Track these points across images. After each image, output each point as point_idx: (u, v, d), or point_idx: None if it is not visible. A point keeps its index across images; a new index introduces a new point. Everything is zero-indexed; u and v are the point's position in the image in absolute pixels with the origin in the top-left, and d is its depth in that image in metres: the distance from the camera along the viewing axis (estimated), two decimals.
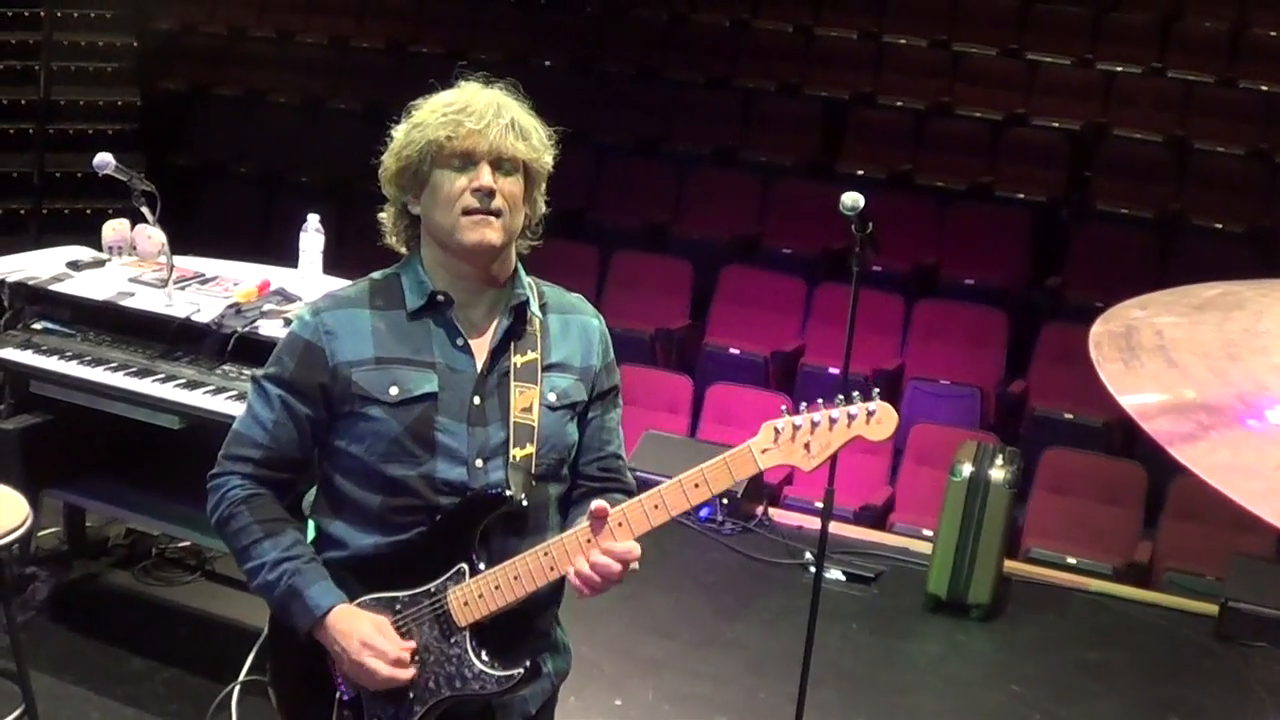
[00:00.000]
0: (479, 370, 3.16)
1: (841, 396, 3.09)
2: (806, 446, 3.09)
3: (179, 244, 6.12)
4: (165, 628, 6.36)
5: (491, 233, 3.09)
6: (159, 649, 6.11)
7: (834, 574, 7.60)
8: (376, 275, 3.27)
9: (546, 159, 3.18)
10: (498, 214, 3.09)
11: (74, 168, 11.50)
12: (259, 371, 3.26)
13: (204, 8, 15.18)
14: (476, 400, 3.15)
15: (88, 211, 10.78)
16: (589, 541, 3.08)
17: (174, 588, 6.68)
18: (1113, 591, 7.97)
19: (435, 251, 3.19)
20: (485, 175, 3.06)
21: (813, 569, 7.62)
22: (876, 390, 3.14)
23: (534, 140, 3.14)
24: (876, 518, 8.75)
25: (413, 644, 3.13)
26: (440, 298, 3.18)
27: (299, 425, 3.17)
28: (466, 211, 3.08)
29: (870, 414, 3.08)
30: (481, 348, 3.19)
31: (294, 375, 3.17)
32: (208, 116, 13.89)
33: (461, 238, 3.09)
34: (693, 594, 7.34)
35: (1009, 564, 7.78)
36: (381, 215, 3.27)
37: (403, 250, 3.28)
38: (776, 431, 3.09)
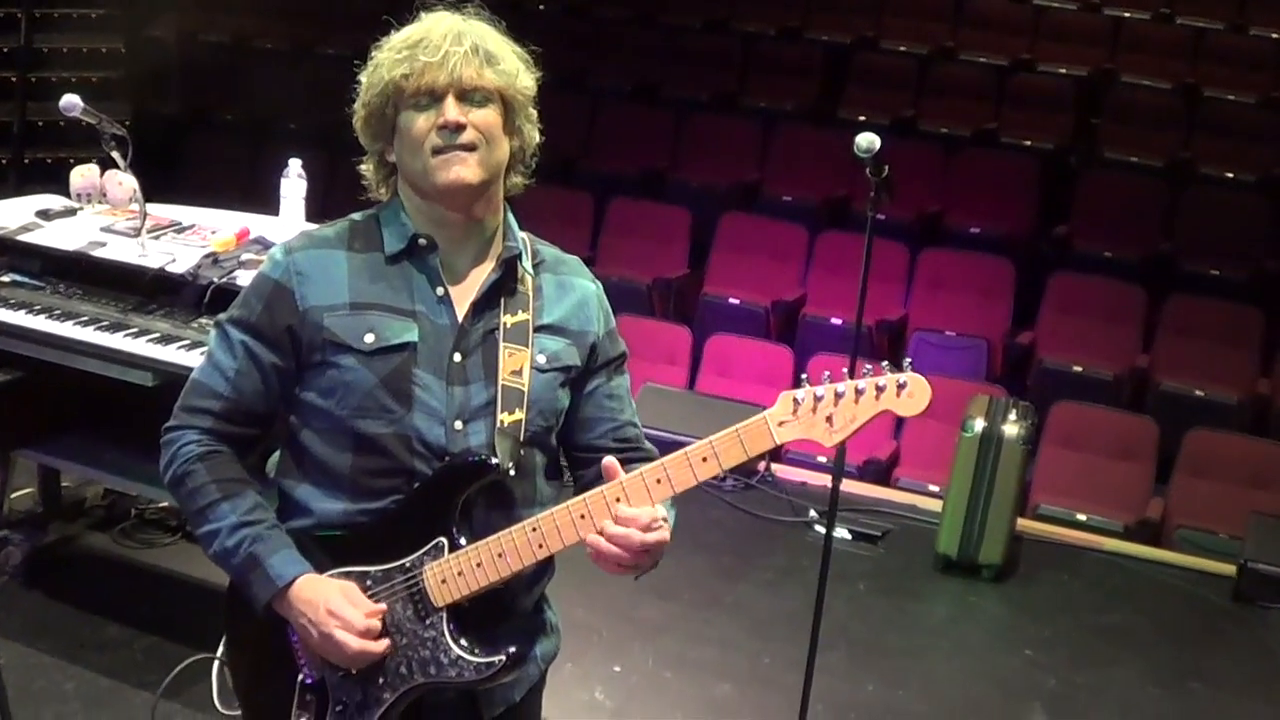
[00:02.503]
0: (460, 324, 2.89)
1: (869, 366, 2.79)
2: (829, 420, 2.76)
3: (165, 193, 5.88)
4: (144, 592, 6.14)
5: (465, 169, 2.81)
6: (138, 615, 5.86)
7: (840, 532, 7.36)
8: (357, 216, 3.00)
9: (524, 82, 2.89)
10: (471, 148, 2.81)
11: (56, 116, 11.16)
12: (223, 315, 2.98)
13: None
14: (456, 357, 2.88)
15: (70, 160, 10.43)
16: (583, 517, 2.79)
17: (154, 550, 6.43)
18: (1126, 550, 7.76)
19: (413, 198, 2.92)
20: (450, 110, 2.79)
21: (818, 527, 7.50)
22: (908, 360, 2.81)
23: (505, 65, 2.85)
24: (881, 473, 8.54)
25: (383, 607, 2.85)
26: (422, 241, 2.90)
27: (264, 375, 2.90)
28: (436, 151, 2.81)
29: (901, 387, 2.76)
30: (463, 298, 2.91)
31: (260, 319, 2.89)
32: (194, 63, 13.60)
33: (434, 178, 2.82)
34: (693, 554, 7.11)
35: (1019, 522, 7.55)
36: (363, 168, 3.00)
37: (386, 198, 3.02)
38: (796, 402, 2.77)
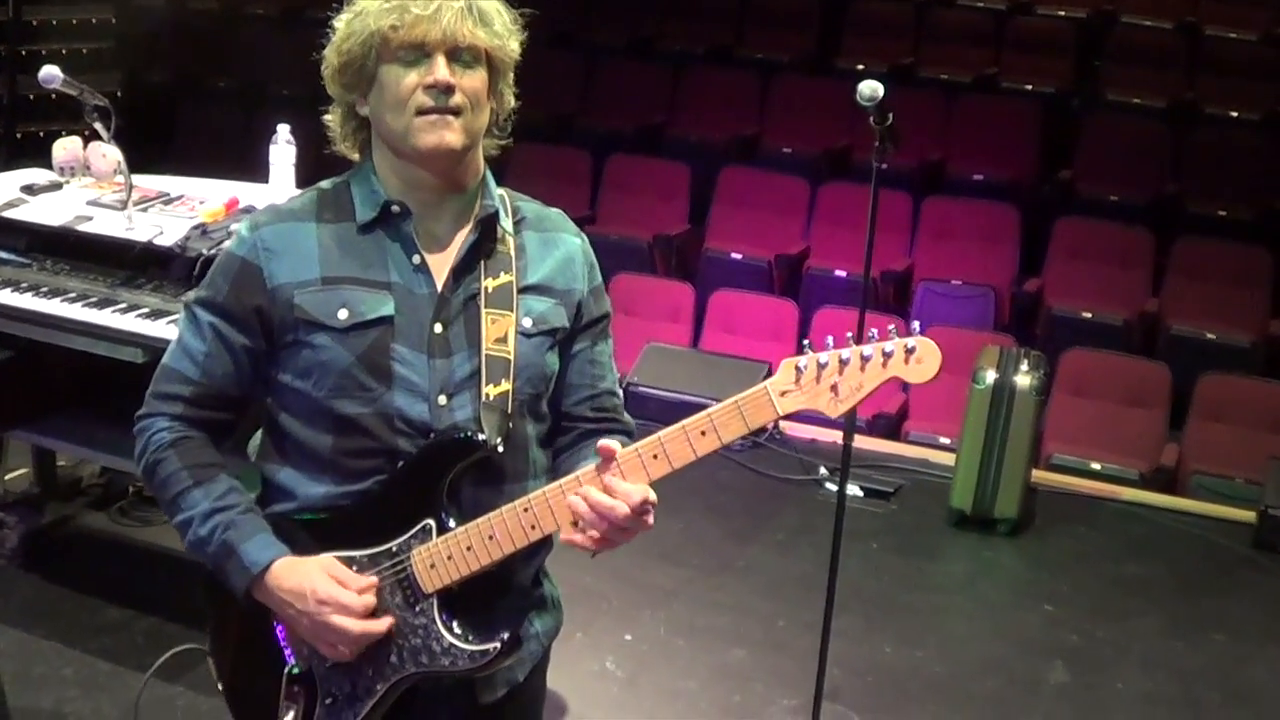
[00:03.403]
0: (439, 292, 2.76)
1: (874, 331, 2.64)
2: (834, 389, 2.61)
3: (159, 163, 5.76)
4: (144, 572, 6.04)
5: (451, 134, 2.67)
6: (137, 596, 5.76)
7: (851, 489, 7.22)
8: (325, 184, 2.85)
9: (512, 45, 2.75)
10: (457, 112, 2.67)
11: (47, 90, 11.11)
12: (190, 295, 2.85)
13: None
14: (438, 328, 2.74)
15: (62, 134, 10.40)
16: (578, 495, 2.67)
17: (152, 527, 6.29)
18: (1144, 500, 7.65)
19: (388, 157, 2.77)
20: (440, 69, 2.64)
21: (829, 485, 7.38)
22: (916, 323, 2.66)
23: (497, 25, 2.70)
24: (891, 427, 8.44)
25: (374, 579, 2.72)
26: (395, 208, 2.76)
27: (235, 357, 2.76)
28: (421, 111, 2.66)
29: (909, 352, 2.58)
30: (442, 265, 2.77)
31: (228, 299, 2.75)
32: (185, 32, 13.48)
33: (416, 141, 2.67)
34: (702, 516, 7.01)
35: (1034, 474, 7.45)
36: (327, 118, 2.85)
37: (354, 157, 2.86)
38: (798, 370, 2.62)
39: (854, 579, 6.36)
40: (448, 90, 2.64)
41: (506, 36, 2.72)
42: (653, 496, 2.64)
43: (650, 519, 2.65)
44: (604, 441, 2.67)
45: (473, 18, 2.66)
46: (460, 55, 2.66)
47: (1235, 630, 6.43)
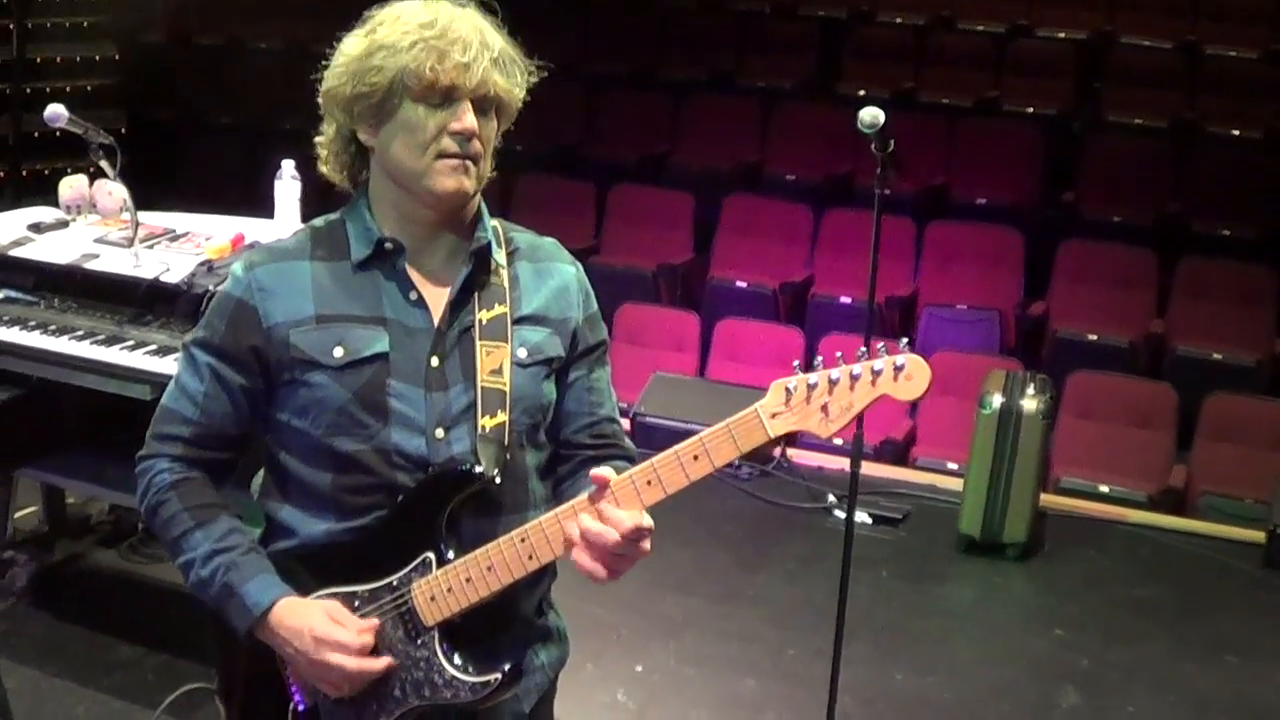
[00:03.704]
0: (436, 326, 2.76)
1: (864, 349, 2.65)
2: (824, 409, 2.61)
3: (164, 199, 5.78)
4: (154, 609, 6.02)
5: (468, 181, 2.70)
6: (148, 633, 5.76)
7: (860, 516, 7.24)
8: (318, 222, 2.87)
9: (520, 95, 2.77)
10: (475, 159, 2.70)
11: (52, 128, 11.13)
12: (188, 336, 2.86)
13: None
14: (434, 361, 2.75)
15: (67, 171, 10.42)
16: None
17: (162, 564, 6.26)
18: (1153, 522, 7.64)
19: (389, 190, 2.77)
20: (469, 118, 2.65)
21: (837, 512, 7.38)
22: (905, 341, 2.66)
23: (516, 75, 2.74)
24: (898, 453, 8.44)
25: (375, 622, 2.73)
26: (389, 245, 2.77)
27: (233, 396, 2.78)
28: (443, 155, 2.67)
29: (898, 370, 2.59)
30: (438, 300, 2.78)
31: (224, 339, 2.76)
32: (188, 67, 13.54)
33: (432, 183, 2.69)
34: (711, 545, 7.01)
35: (1042, 497, 7.44)
36: (318, 139, 2.84)
37: (339, 180, 2.86)
38: (788, 392, 2.62)
39: (863, 606, 6.37)
40: (471, 138, 2.66)
41: (520, 87, 2.75)
42: (647, 522, 2.63)
43: (646, 545, 2.64)
44: (597, 470, 2.66)
45: (500, 68, 2.69)
46: (483, 103, 2.68)
47: (1246, 651, 6.42)
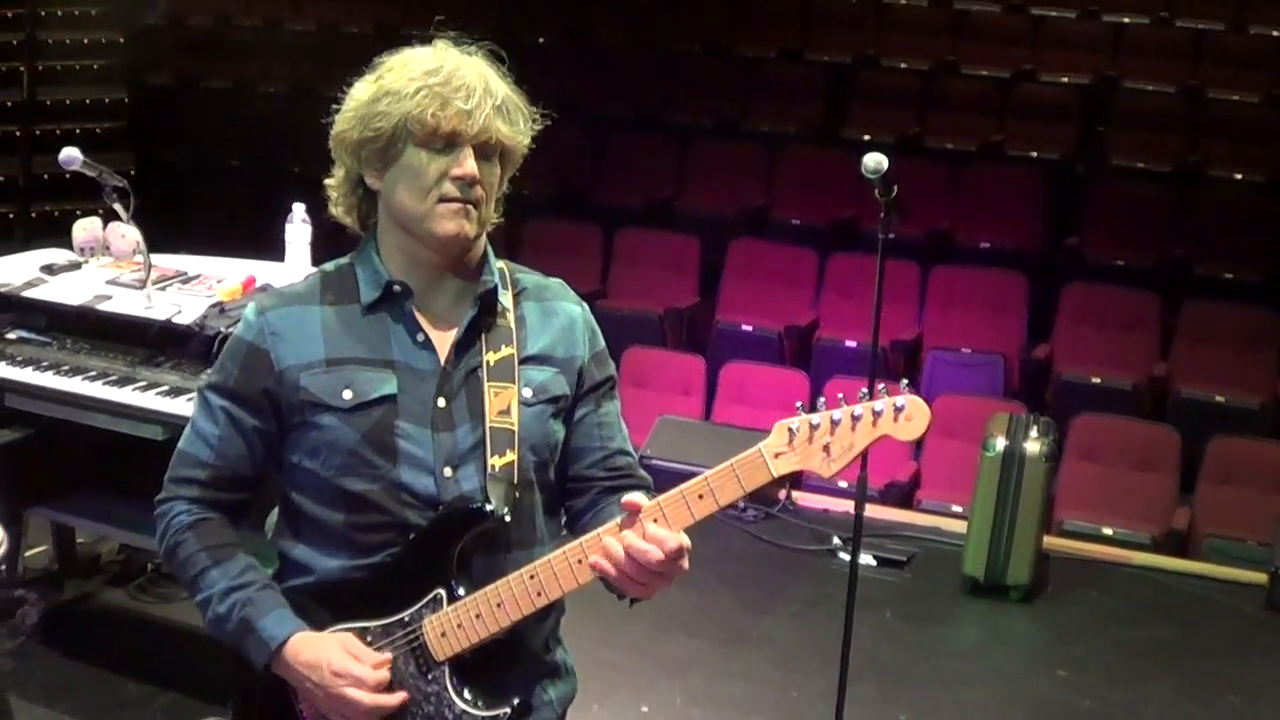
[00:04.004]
0: (441, 367, 2.82)
1: (865, 390, 2.71)
2: (826, 449, 2.68)
3: (172, 241, 5.83)
4: (163, 648, 6.06)
5: (469, 224, 2.75)
6: (157, 671, 5.78)
7: (864, 559, 7.27)
8: (328, 266, 2.93)
9: (526, 141, 2.83)
10: (477, 204, 2.75)
11: (61, 170, 11.18)
12: (202, 380, 2.93)
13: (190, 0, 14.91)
14: (441, 402, 2.81)
15: (77, 213, 10.41)
16: (580, 562, 2.71)
17: (171, 604, 6.32)
18: (1156, 564, 7.67)
19: (395, 234, 2.84)
20: (470, 163, 2.72)
21: (842, 554, 7.40)
22: (905, 382, 2.72)
23: (520, 123, 2.80)
24: (903, 495, 8.47)
25: (388, 656, 2.78)
26: (397, 288, 2.83)
27: (247, 439, 2.84)
28: (445, 199, 2.73)
29: (898, 410, 2.66)
30: (444, 341, 2.84)
31: (238, 383, 2.83)
32: (197, 110, 13.62)
33: (434, 227, 2.75)
34: (717, 587, 7.04)
35: (1046, 539, 7.46)
36: (329, 181, 2.91)
37: (348, 222, 2.93)
38: (791, 432, 2.68)
39: (868, 648, 6.37)
40: (473, 183, 2.71)
41: (524, 133, 2.81)
42: (687, 542, 2.68)
43: (685, 563, 2.68)
44: (629, 497, 2.70)
45: (503, 115, 2.74)
46: (485, 150, 2.73)
47: (1249, 692, 6.44)
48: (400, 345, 2.82)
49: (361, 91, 2.80)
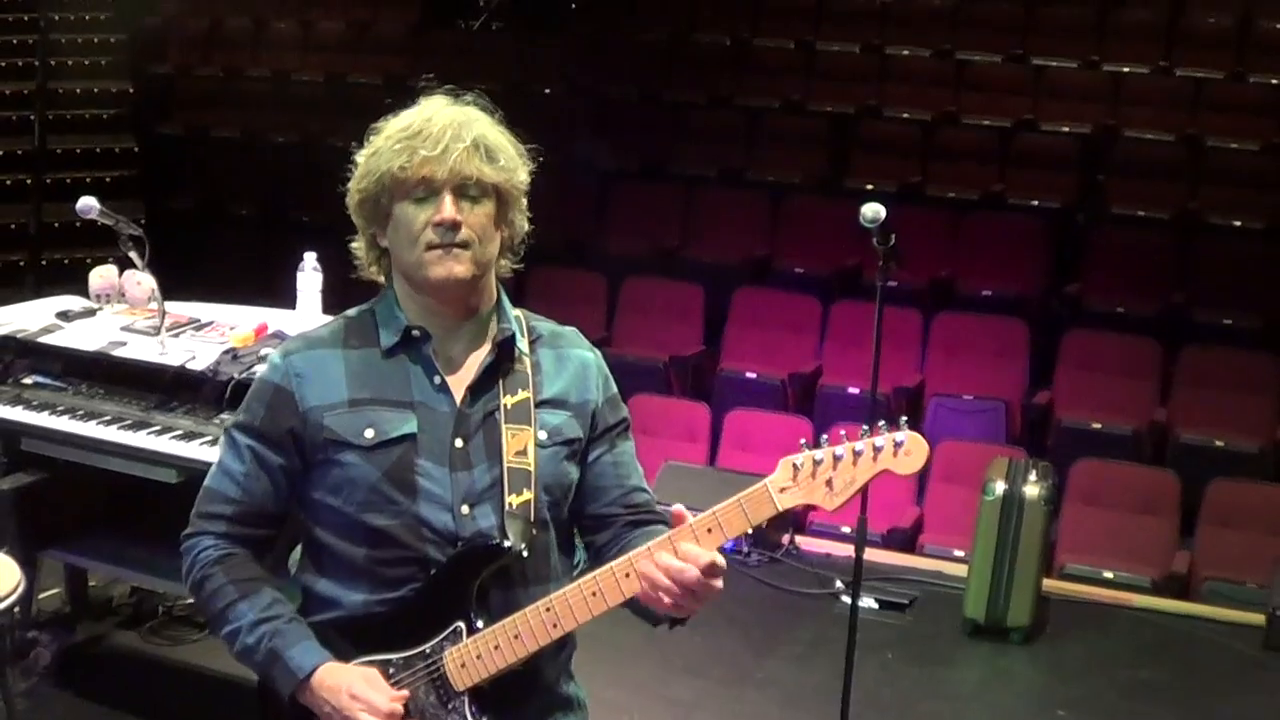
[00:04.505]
0: (458, 409, 2.93)
1: (866, 427, 2.82)
2: (829, 483, 2.81)
3: (181, 289, 5.91)
4: (174, 689, 6.13)
5: (459, 266, 2.86)
6: (168, 713, 5.89)
7: (867, 602, 7.32)
8: (351, 313, 3.05)
9: (520, 177, 2.94)
10: (465, 245, 2.85)
11: (71, 217, 11.23)
12: (229, 421, 3.05)
13: (199, 51, 15.06)
14: (458, 443, 2.92)
15: (87, 261, 10.52)
16: (594, 595, 2.82)
17: (182, 647, 6.40)
18: (1155, 606, 7.72)
19: (404, 285, 2.97)
20: (447, 207, 2.83)
21: (844, 598, 7.45)
22: (904, 419, 2.85)
23: (504, 160, 2.89)
24: (906, 540, 8.51)
25: (405, 693, 2.88)
26: (416, 333, 2.95)
27: (272, 476, 2.95)
28: (431, 246, 2.85)
29: (898, 445, 2.80)
30: (460, 384, 2.95)
31: (264, 423, 2.95)
32: (206, 159, 13.76)
33: (427, 273, 2.87)
34: (721, 629, 7.08)
35: (1046, 582, 7.51)
36: (354, 245, 3.03)
37: (381, 280, 3.04)
38: (795, 468, 2.81)
39: (870, 689, 6.43)
40: (454, 227, 2.82)
41: (514, 169, 2.90)
42: (720, 560, 2.77)
43: (719, 583, 2.77)
44: (676, 507, 2.81)
45: (479, 154, 2.84)
46: (467, 191, 2.84)
47: None
48: (419, 387, 2.93)
49: (360, 156, 2.93)
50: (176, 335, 5.68)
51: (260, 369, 3.04)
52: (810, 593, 7.68)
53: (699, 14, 14.24)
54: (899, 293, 9.85)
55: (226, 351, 5.45)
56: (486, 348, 2.98)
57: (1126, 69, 12.64)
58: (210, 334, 5.72)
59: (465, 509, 2.90)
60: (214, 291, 6.51)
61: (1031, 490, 7.19)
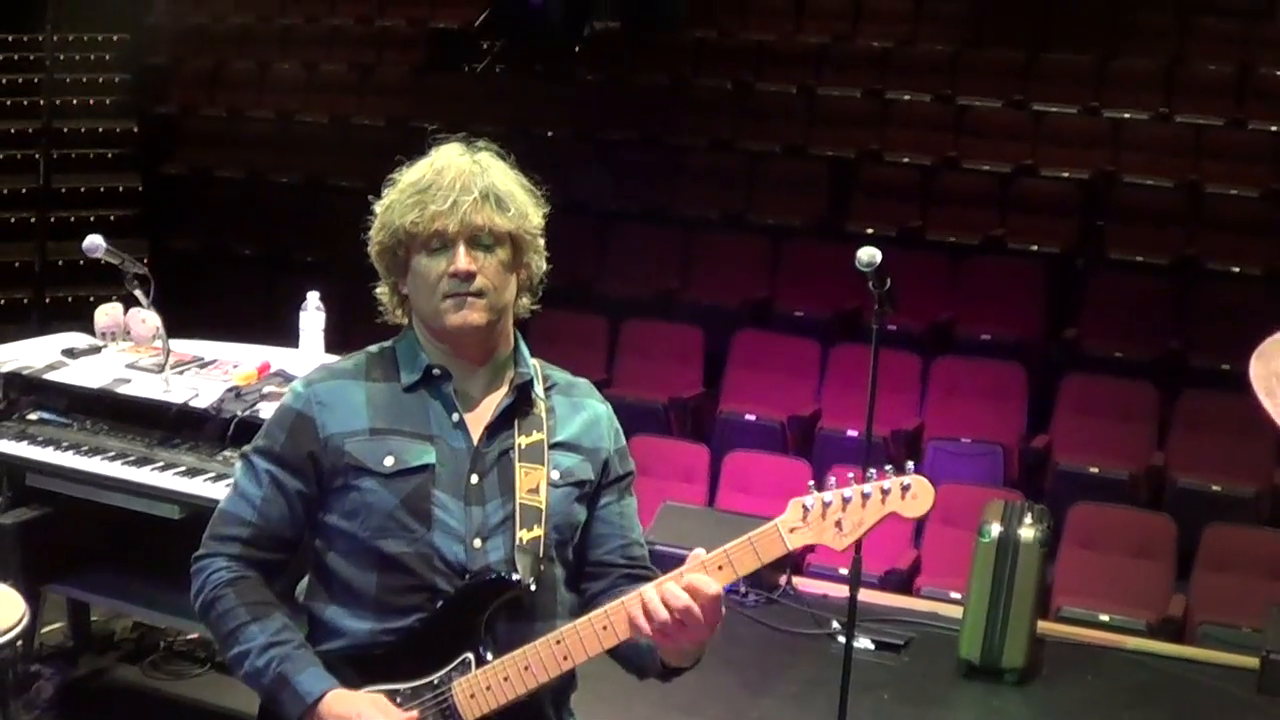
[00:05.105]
0: (475, 447, 3.00)
1: (873, 470, 2.90)
2: (838, 524, 2.88)
3: (184, 328, 5.97)
4: None
5: (475, 314, 2.94)
6: None
7: (862, 642, 7.35)
8: (373, 349, 3.13)
9: (534, 221, 3.02)
10: (480, 294, 2.94)
11: (76, 255, 11.27)
12: (248, 446, 3.10)
13: (203, 91, 15.15)
14: (474, 479, 2.99)
15: (90, 299, 10.56)
16: (605, 629, 2.88)
17: (184, 681, 6.43)
18: (1149, 649, 7.74)
19: (423, 331, 3.06)
20: (461, 259, 2.91)
21: (840, 639, 7.46)
22: (910, 464, 2.93)
23: (514, 208, 2.97)
24: (902, 582, 8.53)
25: (415, 714, 2.93)
26: (436, 371, 3.02)
27: (289, 501, 3.01)
28: (446, 296, 2.93)
29: (905, 489, 2.88)
30: (477, 423, 3.03)
31: (284, 448, 3.02)
32: (209, 199, 13.82)
33: (444, 321, 2.96)
34: (718, 669, 7.09)
35: (1041, 624, 7.54)
36: (379, 291, 3.12)
37: (405, 322, 3.13)
38: (805, 509, 2.89)
39: None
40: (469, 277, 2.90)
41: (526, 214, 2.98)
42: (717, 588, 2.82)
43: (720, 611, 2.83)
44: (696, 550, 2.87)
45: (490, 204, 2.92)
46: (480, 240, 2.92)
47: None
48: (438, 422, 3.00)
49: (376, 208, 3.02)
50: (180, 373, 5.74)
51: (284, 397, 3.11)
52: (806, 633, 7.70)
53: (701, 58, 14.35)
54: (898, 336, 9.92)
55: (230, 389, 5.51)
56: (504, 390, 3.06)
57: (1126, 115, 12.71)
58: (213, 372, 5.78)
59: (478, 542, 2.97)
60: (217, 330, 6.55)
61: (1027, 533, 7.22)
